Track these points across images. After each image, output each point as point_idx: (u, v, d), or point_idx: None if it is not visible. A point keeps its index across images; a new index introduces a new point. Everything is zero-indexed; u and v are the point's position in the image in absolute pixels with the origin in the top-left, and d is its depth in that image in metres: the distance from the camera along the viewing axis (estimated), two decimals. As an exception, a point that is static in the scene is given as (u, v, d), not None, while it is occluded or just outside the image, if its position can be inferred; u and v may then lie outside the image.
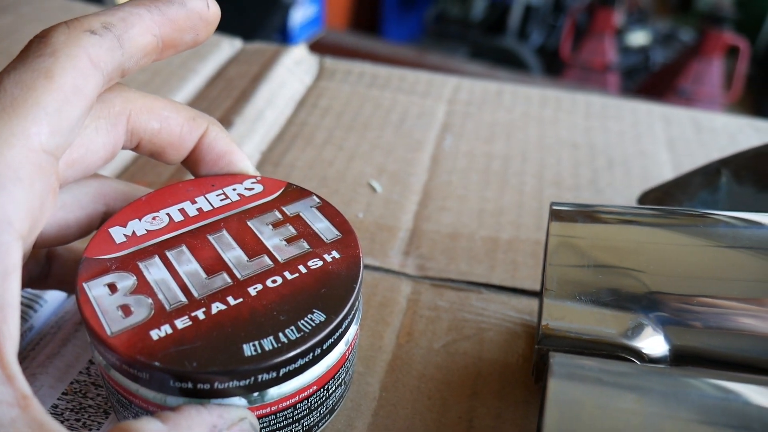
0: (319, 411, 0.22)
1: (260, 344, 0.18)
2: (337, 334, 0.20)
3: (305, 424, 0.21)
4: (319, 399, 0.21)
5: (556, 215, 0.25)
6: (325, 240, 0.23)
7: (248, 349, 0.18)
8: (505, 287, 0.31)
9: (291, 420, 0.21)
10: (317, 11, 1.89)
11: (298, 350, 0.19)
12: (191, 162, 0.24)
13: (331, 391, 0.22)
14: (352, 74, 0.48)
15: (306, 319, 0.19)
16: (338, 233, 0.23)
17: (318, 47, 0.58)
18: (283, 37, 1.82)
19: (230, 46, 0.49)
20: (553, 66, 2.04)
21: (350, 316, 0.21)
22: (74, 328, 0.26)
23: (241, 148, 0.25)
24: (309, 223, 0.23)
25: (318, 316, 0.20)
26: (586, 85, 1.81)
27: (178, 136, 0.23)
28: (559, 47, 1.95)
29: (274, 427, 0.20)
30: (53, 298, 0.28)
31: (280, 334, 0.19)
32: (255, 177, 0.25)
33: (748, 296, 0.22)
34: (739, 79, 1.91)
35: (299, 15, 1.81)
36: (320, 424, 0.22)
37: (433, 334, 0.29)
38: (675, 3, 2.80)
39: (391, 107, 0.44)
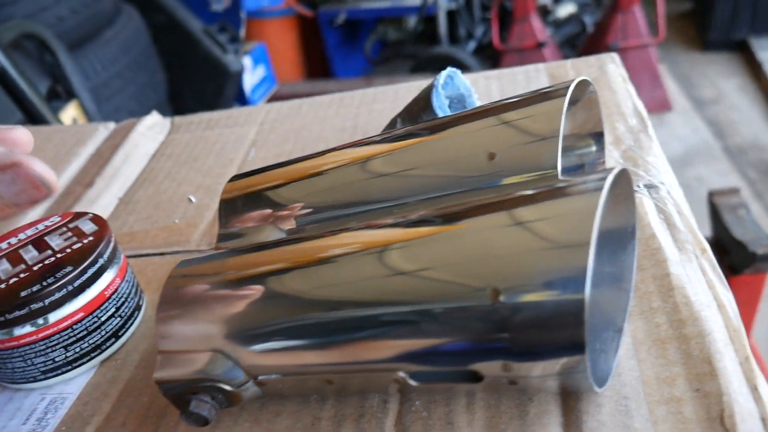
0: (100, 333, 0.36)
1: (41, 284, 0.33)
2: (84, 278, 0.34)
3: (90, 341, 0.36)
4: (94, 323, 0.36)
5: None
6: (86, 233, 0.37)
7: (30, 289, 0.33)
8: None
9: (74, 338, 0.35)
10: (267, 71, 2.07)
11: (60, 285, 0.33)
12: None
13: (103, 319, 0.36)
14: (194, 123, 0.63)
15: (64, 271, 0.34)
16: (96, 227, 0.38)
17: (276, 100, 0.68)
18: (242, 101, 2.00)
19: (105, 128, 0.65)
20: (496, 58, 2.17)
21: (94, 268, 0.35)
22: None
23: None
24: (80, 227, 0.38)
25: (70, 270, 0.34)
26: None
27: None
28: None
29: (64, 342, 0.35)
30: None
31: (46, 282, 0.33)
32: (56, 214, 0.40)
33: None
34: (662, 21, 2.00)
35: (251, 79, 1.99)
36: (107, 344, 0.37)
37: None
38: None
39: (216, 140, 0.59)
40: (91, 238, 0.37)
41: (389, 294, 0.26)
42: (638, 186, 0.39)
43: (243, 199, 0.39)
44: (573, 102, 0.35)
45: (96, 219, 0.39)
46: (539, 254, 0.24)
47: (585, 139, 0.37)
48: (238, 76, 1.87)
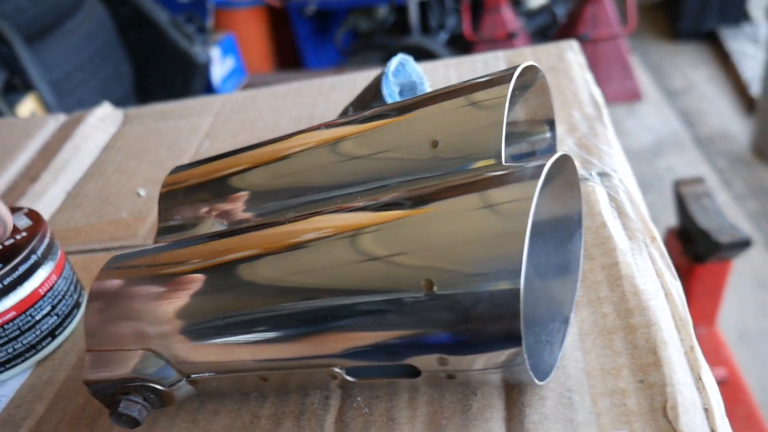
0: (34, 332, 0.34)
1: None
2: (15, 275, 0.33)
3: (24, 341, 0.34)
4: (27, 322, 0.34)
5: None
6: (20, 228, 0.36)
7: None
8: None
9: (6, 339, 0.33)
10: (236, 63, 2.04)
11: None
12: None
13: (38, 318, 0.35)
14: (147, 115, 0.61)
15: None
16: (31, 222, 0.36)
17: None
18: (212, 93, 1.97)
19: (55, 121, 0.63)
20: (467, 48, 2.16)
21: (26, 264, 0.34)
22: None
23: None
24: (14, 223, 0.36)
25: (0, 267, 0.32)
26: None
27: None
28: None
29: (-6, 343, 0.33)
30: None
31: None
32: None
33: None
34: (632, 12, 2.01)
35: (220, 70, 1.96)
36: (43, 344, 0.35)
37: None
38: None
39: (169, 132, 0.57)
40: (24, 234, 0.35)
41: (320, 286, 0.25)
42: (590, 174, 0.38)
43: (184, 191, 0.37)
44: (525, 87, 0.34)
45: (31, 214, 0.37)
46: (474, 243, 0.23)
47: (537, 125, 0.36)
48: (206, 67, 1.83)
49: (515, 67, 0.30)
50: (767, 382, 1.24)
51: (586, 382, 0.27)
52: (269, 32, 2.28)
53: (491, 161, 0.29)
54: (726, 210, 1.18)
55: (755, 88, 2.06)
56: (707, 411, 0.25)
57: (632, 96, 2.15)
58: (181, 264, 0.28)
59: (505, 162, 0.29)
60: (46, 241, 0.36)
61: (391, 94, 0.41)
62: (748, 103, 2.12)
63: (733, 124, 2.09)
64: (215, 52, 1.91)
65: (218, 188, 0.36)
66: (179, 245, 0.30)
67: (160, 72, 1.76)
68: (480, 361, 0.24)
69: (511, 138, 0.36)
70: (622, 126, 2.07)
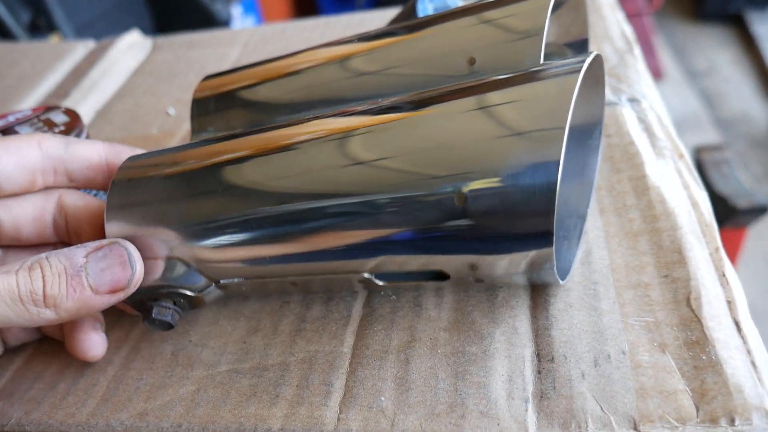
0: (69, 222, 0.35)
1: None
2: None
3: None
4: (63, 212, 0.35)
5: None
6: (57, 123, 0.36)
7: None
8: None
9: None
10: (257, 21, 2.03)
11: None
12: None
13: (73, 209, 0.35)
14: (175, 44, 0.61)
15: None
16: (68, 119, 0.37)
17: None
18: (231, 52, 1.96)
19: (84, 47, 0.63)
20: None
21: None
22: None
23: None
24: (51, 119, 0.37)
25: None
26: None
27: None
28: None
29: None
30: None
31: None
32: (28, 108, 0.39)
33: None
34: (658, -13, 1.98)
35: (240, 27, 1.95)
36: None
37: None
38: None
39: (198, 59, 0.58)
40: (62, 128, 0.36)
41: (350, 184, 0.24)
42: (620, 99, 0.38)
43: (216, 99, 0.38)
44: (559, 4, 0.34)
45: (68, 112, 0.38)
46: (508, 141, 0.22)
47: (569, 45, 0.36)
48: (227, 25, 1.83)
49: (555, -24, 0.30)
50: (773, 361, 1.24)
51: (611, 276, 0.27)
52: (291, -7, 2.27)
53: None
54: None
55: (779, 72, 2.04)
56: (730, 303, 0.25)
57: (654, 74, 2.13)
58: (203, 160, 0.28)
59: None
60: (83, 137, 0.36)
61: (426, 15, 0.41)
62: (770, 86, 2.09)
63: (753, 108, 2.06)
64: (236, 10, 1.91)
65: (251, 96, 0.37)
66: (194, 146, 0.30)
67: (180, 28, 1.76)
68: (508, 261, 0.24)
69: (544, 56, 0.37)
70: (641, 104, 2.05)
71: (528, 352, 0.25)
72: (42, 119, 0.37)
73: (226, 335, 0.29)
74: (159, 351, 0.29)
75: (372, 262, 0.26)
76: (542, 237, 0.22)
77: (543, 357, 0.25)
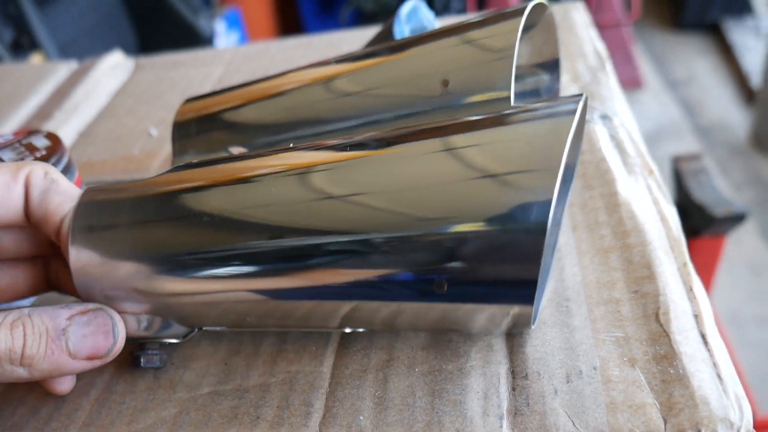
0: (52, 246, 0.36)
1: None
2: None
3: (41, 254, 0.35)
4: (45, 237, 0.35)
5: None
6: (38, 147, 0.37)
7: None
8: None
9: (25, 250, 0.35)
10: (241, 37, 2.04)
11: None
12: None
13: (56, 233, 0.36)
14: (158, 64, 0.62)
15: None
16: (49, 143, 0.37)
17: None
18: (215, 67, 1.96)
19: (67, 68, 0.64)
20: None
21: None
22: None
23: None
24: (33, 143, 0.37)
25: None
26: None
27: None
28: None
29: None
30: None
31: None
32: (10, 133, 0.39)
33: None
34: (636, 0, 2.01)
35: (224, 44, 1.96)
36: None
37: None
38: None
39: (180, 79, 0.58)
40: (43, 152, 0.36)
41: (325, 220, 0.24)
42: (592, 116, 0.39)
43: (196, 122, 0.38)
44: (530, 26, 0.35)
45: (50, 136, 0.38)
46: (493, 184, 0.22)
47: (541, 66, 0.37)
48: (210, 40, 1.84)
49: (527, 3, 0.31)
50: (756, 366, 1.26)
51: (583, 293, 0.28)
52: (274, 8, 2.28)
53: (504, 93, 0.30)
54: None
55: (756, 80, 2.07)
56: (697, 317, 0.26)
57: (633, 83, 2.16)
58: (168, 186, 0.27)
59: (513, 100, 0.30)
60: (64, 161, 0.37)
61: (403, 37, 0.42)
62: (747, 94, 2.13)
63: (732, 115, 2.10)
64: (220, 26, 1.92)
65: (232, 118, 0.37)
66: (165, 174, 0.28)
67: (164, 43, 1.76)
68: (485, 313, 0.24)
69: (516, 76, 0.37)
70: (622, 113, 2.08)
71: (503, 369, 0.26)
72: (23, 144, 0.38)
73: (207, 357, 0.30)
74: (141, 374, 0.30)
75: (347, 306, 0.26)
76: (521, 315, 0.23)
77: (517, 374, 0.25)
